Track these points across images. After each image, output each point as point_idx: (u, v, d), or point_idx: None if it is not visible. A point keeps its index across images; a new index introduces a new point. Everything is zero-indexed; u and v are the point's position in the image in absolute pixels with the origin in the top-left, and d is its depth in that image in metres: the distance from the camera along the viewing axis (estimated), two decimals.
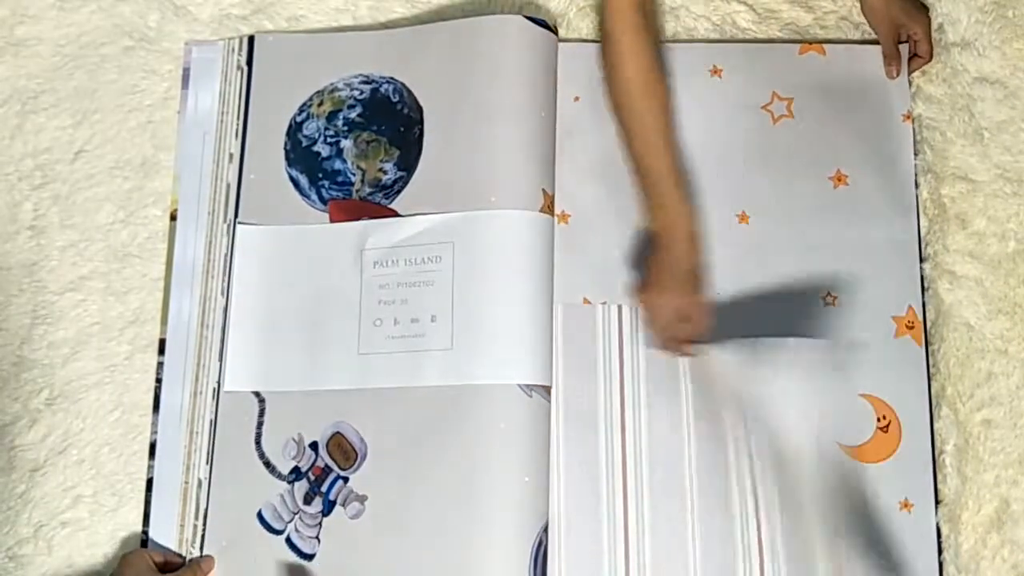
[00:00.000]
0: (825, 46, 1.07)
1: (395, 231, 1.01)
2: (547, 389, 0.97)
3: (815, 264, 1.02)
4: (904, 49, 1.07)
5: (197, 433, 1.00)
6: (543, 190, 1.00)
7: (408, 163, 1.03)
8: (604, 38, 1.00)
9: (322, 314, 1.00)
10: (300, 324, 1.01)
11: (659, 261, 0.99)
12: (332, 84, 1.07)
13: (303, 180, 1.05)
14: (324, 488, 0.97)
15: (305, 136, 1.05)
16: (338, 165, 1.04)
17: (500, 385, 0.95)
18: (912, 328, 1.01)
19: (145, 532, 0.98)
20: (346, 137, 1.05)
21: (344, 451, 0.97)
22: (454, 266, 0.98)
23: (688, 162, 1.04)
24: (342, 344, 0.99)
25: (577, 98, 1.06)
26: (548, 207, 1.00)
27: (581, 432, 0.98)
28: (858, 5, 1.10)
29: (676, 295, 0.98)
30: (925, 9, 1.07)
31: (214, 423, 1.00)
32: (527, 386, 0.95)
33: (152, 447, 1.00)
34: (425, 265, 0.99)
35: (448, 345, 0.97)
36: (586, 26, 1.09)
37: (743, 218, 1.04)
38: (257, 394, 1.00)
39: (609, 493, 0.97)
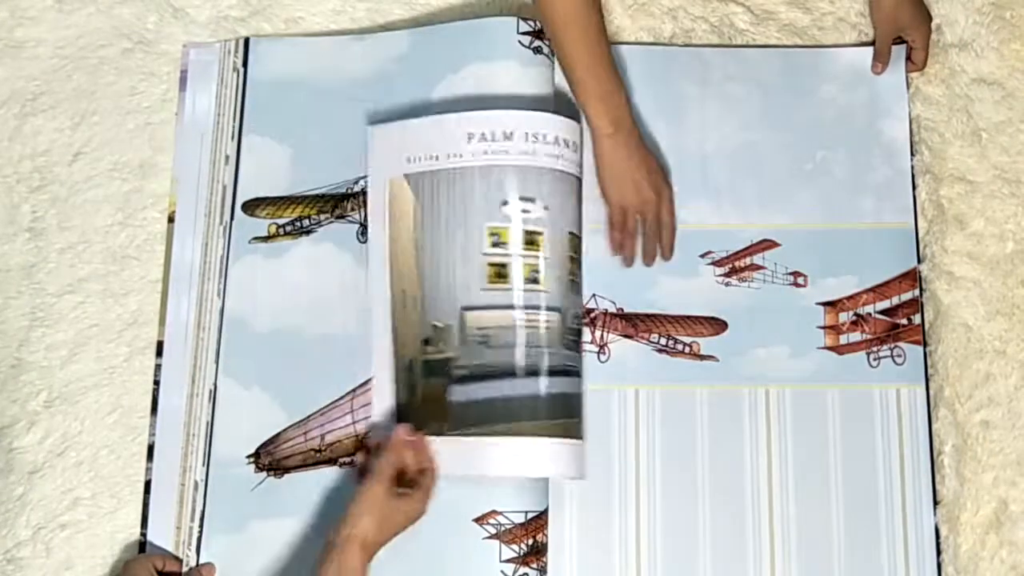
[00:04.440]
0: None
1: None
2: None
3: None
4: (899, 51, 1.07)
5: (194, 435, 1.00)
6: None
7: None
8: None
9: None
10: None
11: (597, 161, 1.01)
12: None
13: None
14: None
15: None
16: None
17: None
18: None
19: (143, 534, 0.98)
20: None
21: None
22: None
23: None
24: None
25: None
26: None
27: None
28: (856, 7, 1.10)
29: (620, 196, 1.00)
30: (929, 20, 1.07)
31: (211, 425, 1.00)
32: None
33: (150, 449, 1.00)
34: None
35: None
36: None
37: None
38: None
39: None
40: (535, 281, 0.96)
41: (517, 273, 0.96)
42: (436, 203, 0.98)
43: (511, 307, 0.95)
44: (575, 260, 1.00)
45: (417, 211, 0.99)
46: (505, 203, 0.96)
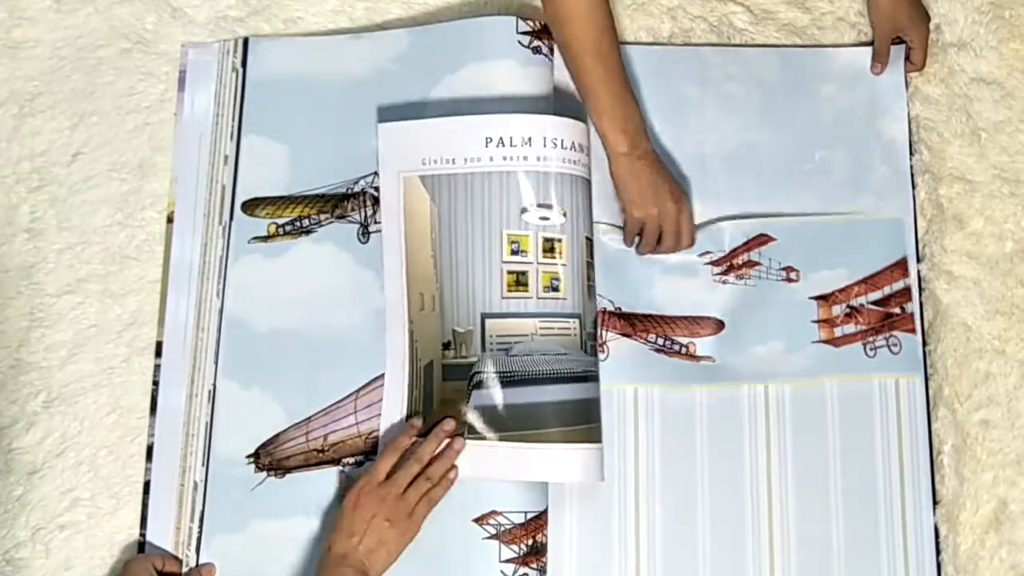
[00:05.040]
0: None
1: None
2: None
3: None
4: (898, 51, 1.07)
5: (193, 436, 1.00)
6: None
7: None
8: None
9: None
10: None
11: (615, 177, 1.00)
12: None
13: None
14: None
15: None
16: None
17: None
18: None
19: (143, 535, 0.98)
20: None
21: None
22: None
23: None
24: None
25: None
26: None
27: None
28: (855, 6, 1.10)
29: (643, 210, 0.99)
30: (927, 20, 1.07)
31: (210, 425, 1.00)
32: None
33: (150, 449, 1.00)
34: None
35: None
36: None
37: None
38: None
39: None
40: (555, 289, 0.96)
41: (537, 281, 0.96)
42: (453, 207, 0.98)
43: (531, 315, 0.96)
44: (591, 265, 1.00)
45: (433, 212, 0.99)
46: (524, 210, 0.96)
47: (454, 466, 0.93)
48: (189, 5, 1.11)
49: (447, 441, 0.93)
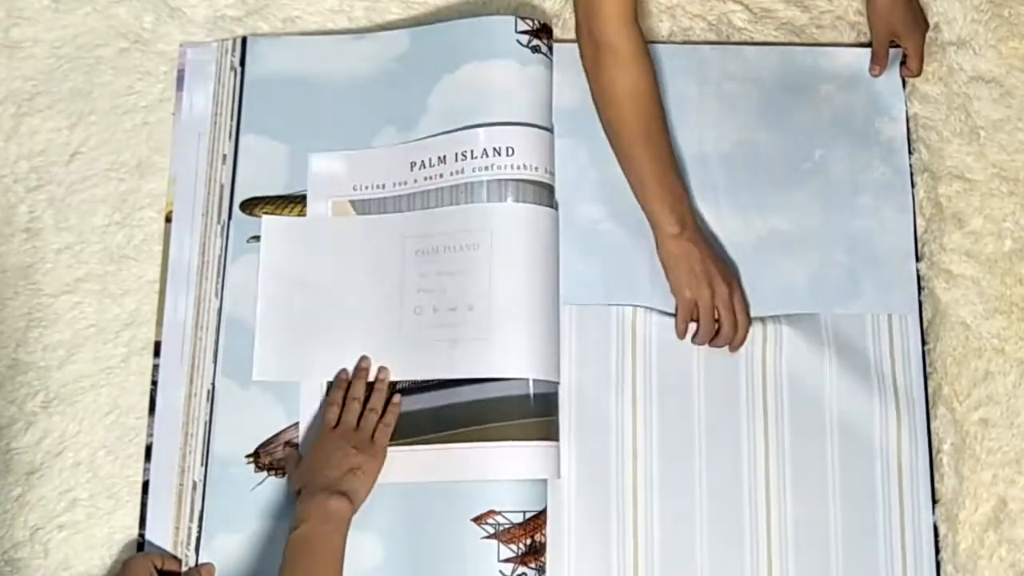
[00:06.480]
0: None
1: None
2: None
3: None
4: (896, 53, 1.07)
5: (192, 435, 1.00)
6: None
7: None
8: (593, 47, 0.97)
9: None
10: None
11: (665, 260, 0.99)
12: None
13: None
14: None
15: None
16: None
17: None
18: None
19: (141, 535, 0.98)
20: None
21: None
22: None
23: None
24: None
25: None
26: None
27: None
28: (854, 5, 1.10)
29: (695, 291, 0.98)
30: (924, 28, 1.07)
31: (209, 425, 0.99)
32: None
33: (148, 449, 1.00)
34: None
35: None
36: None
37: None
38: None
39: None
40: None
41: None
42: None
43: None
44: None
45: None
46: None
47: (394, 392, 0.97)
48: (187, 4, 1.11)
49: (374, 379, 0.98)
